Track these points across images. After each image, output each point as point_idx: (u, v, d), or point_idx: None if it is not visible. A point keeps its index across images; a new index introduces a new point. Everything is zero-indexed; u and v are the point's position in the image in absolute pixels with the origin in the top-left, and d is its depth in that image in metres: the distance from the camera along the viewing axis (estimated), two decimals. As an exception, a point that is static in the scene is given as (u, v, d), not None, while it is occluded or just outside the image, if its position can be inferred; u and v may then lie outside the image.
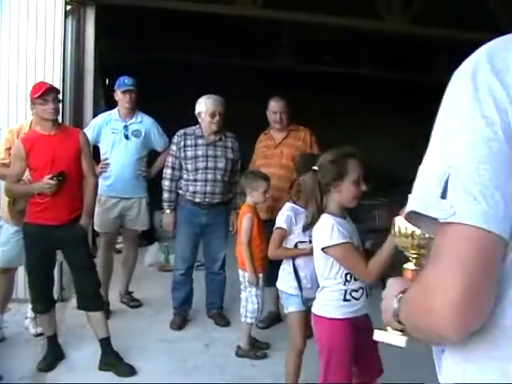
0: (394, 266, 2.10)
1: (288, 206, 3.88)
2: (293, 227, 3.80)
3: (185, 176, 4.93)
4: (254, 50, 11.50)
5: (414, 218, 1.13)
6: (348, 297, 2.96)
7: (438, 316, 1.04)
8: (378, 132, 12.02)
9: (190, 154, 4.89)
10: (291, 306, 3.72)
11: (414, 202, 1.12)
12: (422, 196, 1.10)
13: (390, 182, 8.43)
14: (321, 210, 2.99)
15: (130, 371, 4.09)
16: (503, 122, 1.03)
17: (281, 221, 3.85)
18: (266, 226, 4.49)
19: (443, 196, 1.05)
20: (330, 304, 2.99)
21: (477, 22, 9.05)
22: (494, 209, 1.01)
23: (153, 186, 5.40)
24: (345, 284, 2.95)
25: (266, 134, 5.32)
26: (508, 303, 1.05)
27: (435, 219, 1.05)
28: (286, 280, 3.78)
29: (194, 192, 4.89)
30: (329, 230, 2.88)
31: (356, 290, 2.96)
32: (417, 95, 11.99)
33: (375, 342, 3.15)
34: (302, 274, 3.69)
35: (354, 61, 12.95)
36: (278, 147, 5.14)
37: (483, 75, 1.07)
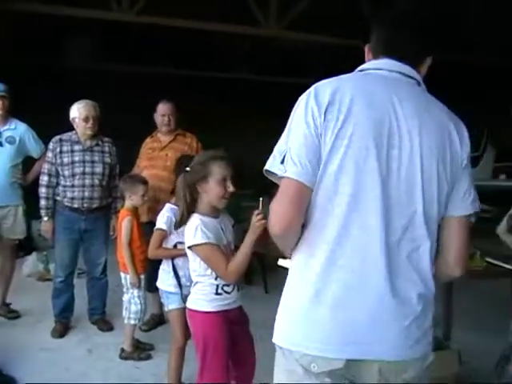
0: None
1: (168, 207, 3.95)
2: (172, 228, 3.88)
3: (62, 182, 4.88)
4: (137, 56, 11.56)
5: (269, 174, 1.98)
6: (220, 291, 3.10)
7: (271, 224, 1.93)
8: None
9: (66, 160, 4.85)
10: (171, 304, 3.79)
11: (268, 164, 1.97)
12: (272, 162, 1.96)
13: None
14: (190, 210, 3.12)
15: (11, 383, 3.99)
16: (315, 125, 1.91)
17: (161, 222, 3.92)
18: (148, 227, 4.53)
19: (282, 162, 1.92)
20: (203, 298, 3.12)
21: (350, 28, 9.56)
22: (305, 170, 1.88)
23: (30, 193, 5.30)
24: (216, 279, 3.08)
25: (152, 137, 5.36)
26: (311, 219, 1.94)
27: (277, 175, 1.93)
28: (165, 279, 3.86)
29: (72, 198, 4.85)
30: (193, 230, 3.02)
31: (228, 285, 3.10)
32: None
33: (250, 336, 3.32)
34: (180, 273, 3.77)
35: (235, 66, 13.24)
36: (163, 150, 5.19)
37: (310, 99, 1.94)
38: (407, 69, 2.03)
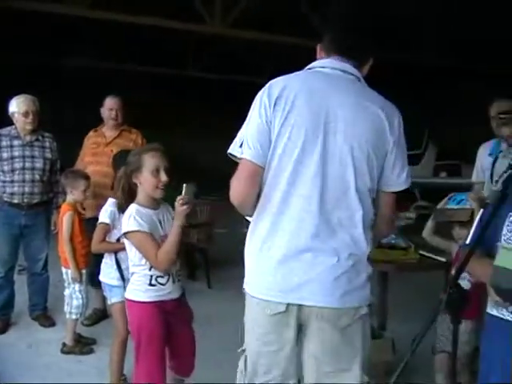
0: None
1: (111, 201, 3.97)
2: (116, 222, 3.91)
3: (1, 177, 4.84)
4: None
5: (232, 156, 2.44)
6: (154, 282, 3.16)
7: (231, 197, 2.40)
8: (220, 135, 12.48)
9: (5, 155, 4.81)
10: (114, 297, 3.83)
11: (230, 148, 2.44)
12: (233, 146, 2.43)
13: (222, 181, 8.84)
14: (128, 201, 3.21)
15: None
16: (266, 116, 2.34)
17: (104, 216, 3.95)
18: (93, 223, 4.53)
19: (240, 146, 2.39)
20: (138, 288, 3.18)
21: (292, 26, 9.71)
22: (258, 153, 2.34)
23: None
24: (150, 270, 3.14)
25: (96, 131, 5.33)
26: (262, 193, 2.38)
27: (237, 157, 2.40)
28: (108, 272, 3.89)
29: (12, 193, 4.81)
30: (127, 218, 3.10)
31: (162, 276, 3.16)
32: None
33: (190, 328, 3.38)
34: (123, 266, 3.80)
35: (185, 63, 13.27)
36: (108, 146, 5.16)
37: (263, 95, 2.37)
38: (348, 67, 2.44)
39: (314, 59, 2.52)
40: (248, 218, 2.57)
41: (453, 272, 2.05)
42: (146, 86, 12.84)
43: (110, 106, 5.21)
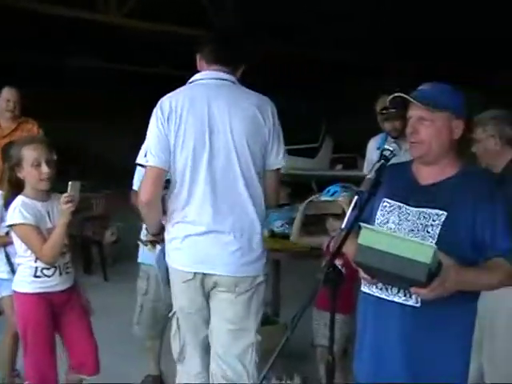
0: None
1: (-1, 194, 3.91)
2: (4, 215, 3.84)
3: None
4: None
5: (139, 165, 3.18)
6: (39, 273, 3.18)
7: (140, 199, 2.96)
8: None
9: None
10: (4, 291, 3.78)
11: (137, 159, 3.19)
12: (139, 157, 3.15)
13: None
14: (16, 192, 3.20)
15: None
16: (163, 128, 2.94)
17: (-9, 209, 3.87)
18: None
19: (145, 156, 2.94)
20: (24, 280, 3.20)
21: (191, 18, 9.74)
22: (160, 159, 2.91)
23: None
24: (36, 261, 3.16)
25: None
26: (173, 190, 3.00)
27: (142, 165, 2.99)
28: (-3, 266, 3.82)
29: None
30: (12, 211, 3.13)
31: (48, 268, 3.17)
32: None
33: (84, 322, 3.37)
34: (13, 260, 3.74)
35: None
36: (4, 138, 5.03)
37: (158, 111, 2.95)
38: (222, 74, 3.04)
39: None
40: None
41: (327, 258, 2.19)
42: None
43: (7, 97, 5.13)
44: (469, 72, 15.45)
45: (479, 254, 2.31)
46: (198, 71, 3.10)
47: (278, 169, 3.15)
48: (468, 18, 10.44)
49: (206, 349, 3.13)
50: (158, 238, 3.26)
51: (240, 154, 2.98)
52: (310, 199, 4.22)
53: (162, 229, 3.16)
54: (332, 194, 4.08)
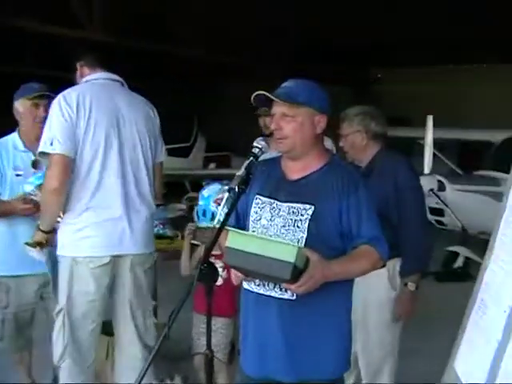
0: None
1: None
2: None
3: None
4: None
5: (41, 155, 3.24)
6: None
7: (50, 186, 3.21)
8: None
9: None
10: None
11: (41, 148, 3.18)
12: (43, 145, 3.20)
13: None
14: None
15: None
16: (70, 118, 3.19)
17: None
18: None
19: (51, 144, 3.14)
20: None
21: (59, 17, 9.42)
22: (67, 147, 3.15)
23: None
24: None
25: None
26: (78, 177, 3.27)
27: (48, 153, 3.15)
28: None
29: None
30: None
31: None
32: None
33: None
34: None
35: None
36: None
37: (62, 103, 3.22)
38: (111, 75, 3.45)
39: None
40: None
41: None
42: None
43: None
44: (339, 69, 16.12)
45: (347, 243, 2.44)
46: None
47: (162, 162, 3.66)
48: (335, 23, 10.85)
49: (96, 339, 3.43)
50: (47, 237, 3.29)
51: (144, 145, 3.41)
52: (190, 227, 4.06)
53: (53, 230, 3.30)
54: (204, 214, 3.94)
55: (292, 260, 2.12)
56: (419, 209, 3.82)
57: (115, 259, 3.31)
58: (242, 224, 2.56)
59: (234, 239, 2.21)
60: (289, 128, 2.47)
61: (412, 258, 3.63)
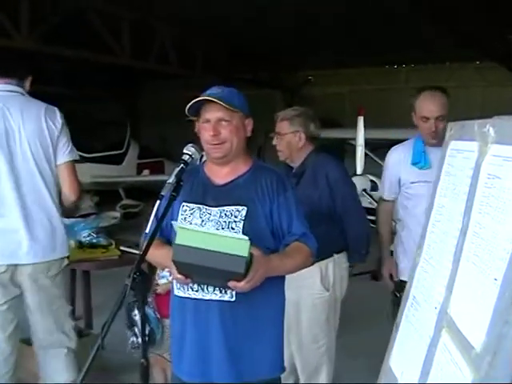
0: None
1: None
2: None
3: None
4: None
5: None
6: None
7: None
8: None
9: None
10: None
11: None
12: None
13: None
14: None
15: None
16: None
17: None
18: None
19: None
20: None
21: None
22: None
23: None
24: None
25: None
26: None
27: None
28: None
29: None
30: None
31: None
32: None
33: None
34: None
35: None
36: None
37: None
38: (11, 87, 3.44)
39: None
40: None
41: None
42: None
43: None
44: (270, 73, 16.24)
45: (279, 242, 2.49)
46: None
47: (68, 162, 3.52)
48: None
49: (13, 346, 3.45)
50: None
51: (36, 154, 3.38)
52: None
53: None
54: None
55: (245, 254, 2.12)
56: (355, 197, 4.04)
57: (14, 268, 3.34)
58: (165, 234, 2.55)
59: (183, 236, 2.17)
60: (227, 132, 2.48)
61: (359, 246, 4.02)
